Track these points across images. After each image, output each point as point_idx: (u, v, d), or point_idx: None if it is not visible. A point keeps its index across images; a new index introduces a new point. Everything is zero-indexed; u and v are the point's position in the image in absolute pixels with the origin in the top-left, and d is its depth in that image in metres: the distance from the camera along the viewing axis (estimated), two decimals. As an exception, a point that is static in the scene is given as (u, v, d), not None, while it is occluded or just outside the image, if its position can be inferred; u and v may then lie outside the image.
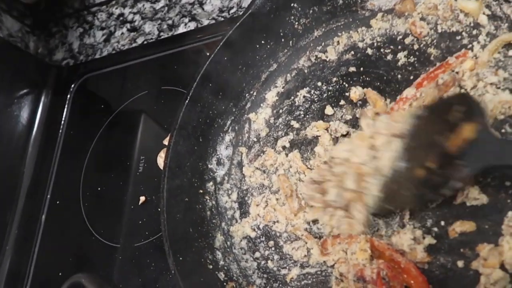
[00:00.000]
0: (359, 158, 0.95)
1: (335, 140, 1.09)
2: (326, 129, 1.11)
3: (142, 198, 1.32)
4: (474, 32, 1.02)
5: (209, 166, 1.18)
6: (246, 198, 1.14)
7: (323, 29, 1.20)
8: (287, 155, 1.13)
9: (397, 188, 0.89)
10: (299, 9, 1.17)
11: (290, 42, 1.21)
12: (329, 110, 1.12)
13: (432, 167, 0.84)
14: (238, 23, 1.14)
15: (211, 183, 1.17)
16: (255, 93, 1.23)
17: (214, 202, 1.15)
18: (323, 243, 0.99)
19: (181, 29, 1.57)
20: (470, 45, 1.01)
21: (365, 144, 0.96)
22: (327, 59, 1.18)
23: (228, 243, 1.10)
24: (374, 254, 0.91)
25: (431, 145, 0.85)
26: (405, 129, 0.90)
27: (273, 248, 1.06)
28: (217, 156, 1.20)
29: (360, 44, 1.15)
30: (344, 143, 1.04)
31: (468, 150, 0.82)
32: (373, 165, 0.93)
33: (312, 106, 1.16)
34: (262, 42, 1.19)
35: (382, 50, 1.12)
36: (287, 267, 1.02)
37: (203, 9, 1.55)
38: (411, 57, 1.07)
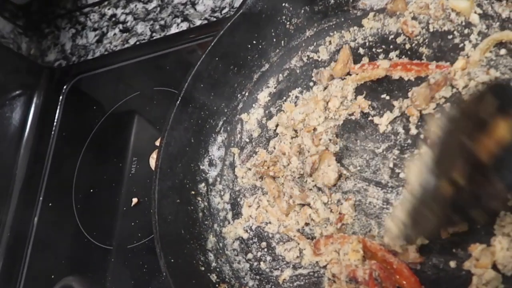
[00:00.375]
0: (314, 120, 1.06)
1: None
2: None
3: (135, 200, 1.31)
4: (466, 31, 1.02)
5: (201, 167, 1.17)
6: (239, 199, 1.14)
7: (314, 29, 1.20)
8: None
9: (423, 209, 0.72)
10: (291, 9, 1.17)
11: (282, 42, 1.21)
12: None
13: (460, 181, 0.66)
14: (229, 23, 1.14)
15: (203, 184, 1.16)
16: (247, 94, 1.22)
17: (206, 204, 1.14)
18: (316, 243, 0.98)
19: (174, 30, 1.56)
20: (462, 44, 1.01)
21: (319, 107, 1.06)
22: (319, 59, 1.18)
23: (221, 244, 1.10)
24: (367, 255, 0.91)
25: (459, 151, 0.66)
26: (434, 136, 0.71)
27: (265, 250, 1.05)
28: (209, 157, 1.19)
29: (352, 44, 1.14)
30: (300, 106, 1.11)
31: (503, 157, 0.63)
32: (327, 125, 1.04)
33: (304, 106, 1.15)
34: (254, 42, 1.19)
35: (374, 49, 1.11)
36: (280, 268, 1.02)
37: (195, 9, 1.55)
38: (403, 56, 1.07)
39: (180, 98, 1.13)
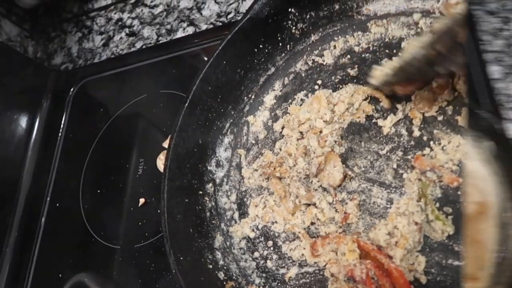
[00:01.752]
0: (320, 122, 1.09)
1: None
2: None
3: (142, 200, 1.33)
4: (467, 36, 1.04)
5: (209, 168, 1.20)
6: (245, 199, 1.16)
7: (319, 34, 1.22)
8: (285, 157, 1.15)
9: (406, 66, 0.95)
10: (296, 14, 1.19)
11: (288, 46, 1.23)
12: (325, 112, 1.14)
13: (441, 50, 0.87)
14: (237, 28, 1.16)
15: (210, 184, 1.18)
16: (253, 96, 1.25)
17: (213, 203, 1.17)
18: (313, 245, 1.00)
19: (180, 34, 1.58)
20: (463, 49, 1.03)
21: (323, 105, 1.10)
22: (324, 63, 1.20)
23: (228, 243, 1.12)
24: (361, 254, 0.93)
25: (450, 35, 0.86)
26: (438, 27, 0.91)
27: (272, 248, 1.08)
28: (216, 158, 1.21)
29: (356, 48, 1.16)
30: (305, 105, 1.15)
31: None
32: (332, 127, 1.08)
33: (309, 109, 1.18)
34: (260, 46, 1.21)
35: (377, 54, 1.13)
36: (286, 267, 1.04)
37: (201, 14, 1.57)
38: (406, 60, 1.09)
39: (188, 100, 1.15)
